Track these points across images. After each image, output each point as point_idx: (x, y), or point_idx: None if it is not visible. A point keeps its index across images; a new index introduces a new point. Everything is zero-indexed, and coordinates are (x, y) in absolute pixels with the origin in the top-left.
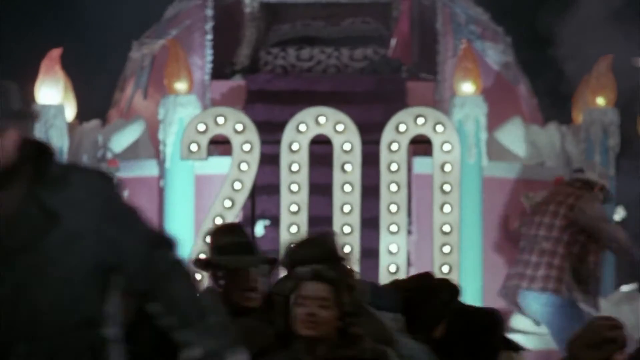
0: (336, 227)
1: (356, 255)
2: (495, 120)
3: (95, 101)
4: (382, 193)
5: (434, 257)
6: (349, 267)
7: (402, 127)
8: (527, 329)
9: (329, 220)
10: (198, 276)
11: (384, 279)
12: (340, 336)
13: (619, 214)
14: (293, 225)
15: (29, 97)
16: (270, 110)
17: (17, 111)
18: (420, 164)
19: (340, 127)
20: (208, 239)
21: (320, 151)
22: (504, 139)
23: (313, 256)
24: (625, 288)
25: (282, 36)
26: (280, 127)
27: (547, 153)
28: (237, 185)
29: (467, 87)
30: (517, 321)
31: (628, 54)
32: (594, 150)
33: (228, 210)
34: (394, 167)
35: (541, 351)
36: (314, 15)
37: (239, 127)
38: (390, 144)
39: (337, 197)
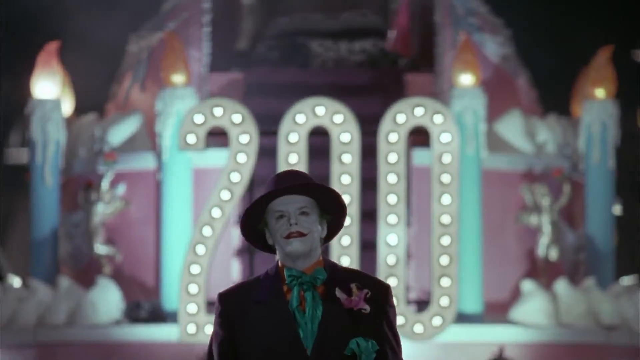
0: None
1: (356, 247)
2: (494, 112)
3: (93, 94)
4: (380, 183)
5: (432, 248)
6: None
7: (400, 117)
8: (527, 320)
9: None
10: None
11: (382, 271)
12: None
13: (616, 210)
14: None
15: (26, 92)
16: (268, 103)
17: None
18: (420, 156)
19: (338, 118)
20: None
21: (319, 143)
22: (503, 131)
23: None
24: (625, 280)
25: (280, 29)
26: (278, 120)
27: (546, 145)
28: (236, 177)
29: (466, 79)
30: (517, 313)
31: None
32: (593, 143)
33: (226, 202)
34: (392, 157)
35: (541, 344)
36: (312, 8)
37: (237, 117)
38: (388, 134)
39: (335, 188)
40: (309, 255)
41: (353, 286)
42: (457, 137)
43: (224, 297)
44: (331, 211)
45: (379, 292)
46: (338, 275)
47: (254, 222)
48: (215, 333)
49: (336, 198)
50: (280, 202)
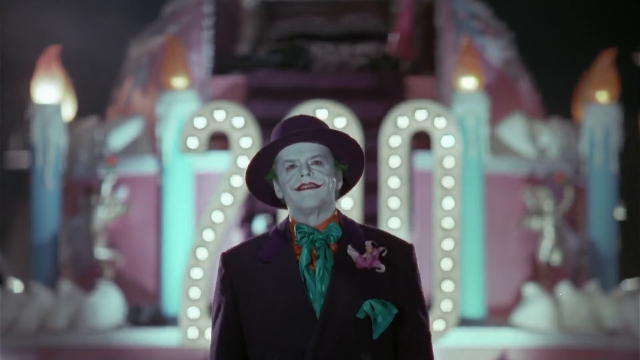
0: None
1: None
2: (496, 116)
3: (94, 98)
4: (381, 187)
5: (433, 252)
6: None
7: (402, 121)
8: (529, 324)
9: None
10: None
11: None
12: None
13: (619, 214)
14: None
15: (27, 96)
16: (270, 106)
17: None
18: (423, 160)
19: (340, 121)
20: None
21: None
22: (505, 134)
23: None
24: (627, 284)
25: (281, 33)
26: None
27: (549, 149)
28: (237, 181)
29: (468, 83)
30: (519, 317)
31: None
32: (595, 147)
33: (228, 206)
34: (394, 161)
35: (543, 348)
36: (313, 12)
37: (239, 121)
38: (389, 137)
39: None
40: (322, 209)
41: (368, 244)
42: (459, 140)
43: (228, 257)
44: (348, 160)
45: (400, 252)
46: (354, 232)
47: (261, 173)
48: (217, 297)
49: (353, 145)
50: (291, 151)
